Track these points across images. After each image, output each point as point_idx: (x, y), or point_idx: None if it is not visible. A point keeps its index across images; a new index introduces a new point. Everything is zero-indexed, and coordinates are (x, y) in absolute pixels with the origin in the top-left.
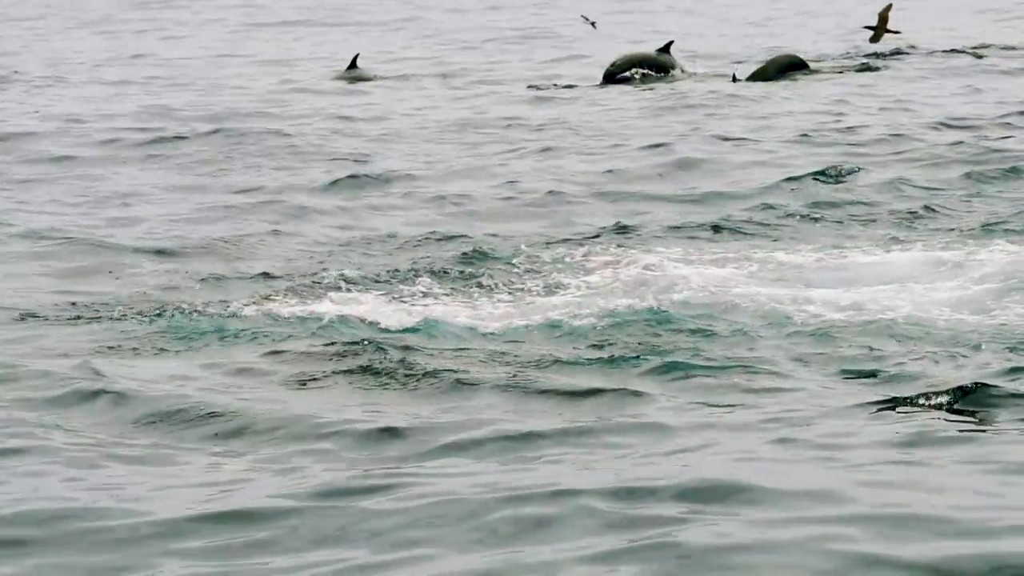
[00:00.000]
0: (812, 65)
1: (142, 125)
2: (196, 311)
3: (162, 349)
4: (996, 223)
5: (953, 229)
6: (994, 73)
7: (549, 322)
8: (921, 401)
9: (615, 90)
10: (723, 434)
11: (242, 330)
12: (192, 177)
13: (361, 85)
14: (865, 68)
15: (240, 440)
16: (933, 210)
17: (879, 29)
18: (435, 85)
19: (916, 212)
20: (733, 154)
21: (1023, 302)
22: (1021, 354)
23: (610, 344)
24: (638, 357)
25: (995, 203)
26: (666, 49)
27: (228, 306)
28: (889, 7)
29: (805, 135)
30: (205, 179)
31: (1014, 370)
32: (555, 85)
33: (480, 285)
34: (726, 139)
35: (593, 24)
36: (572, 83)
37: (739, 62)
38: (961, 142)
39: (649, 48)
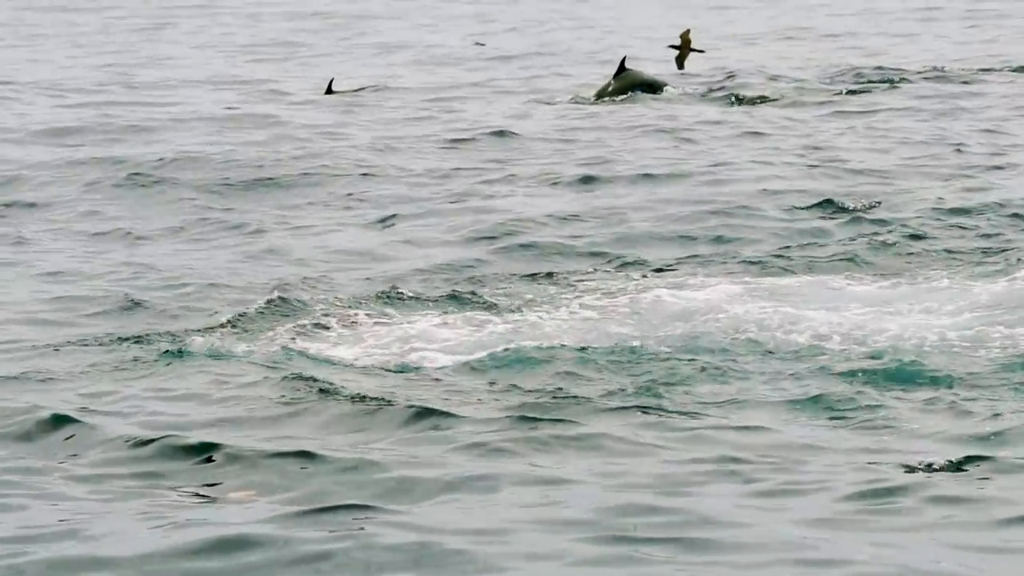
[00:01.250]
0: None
1: None
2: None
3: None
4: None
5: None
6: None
7: (523, 350)
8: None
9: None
10: (696, 477)
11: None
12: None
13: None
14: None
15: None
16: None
17: (683, 50)
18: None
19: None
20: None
21: (1015, 336)
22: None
23: (581, 377)
24: (612, 393)
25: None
26: (623, 67)
27: (184, 338)
28: (688, 30)
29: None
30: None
31: (996, 415)
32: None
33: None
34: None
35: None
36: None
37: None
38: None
39: (602, 70)
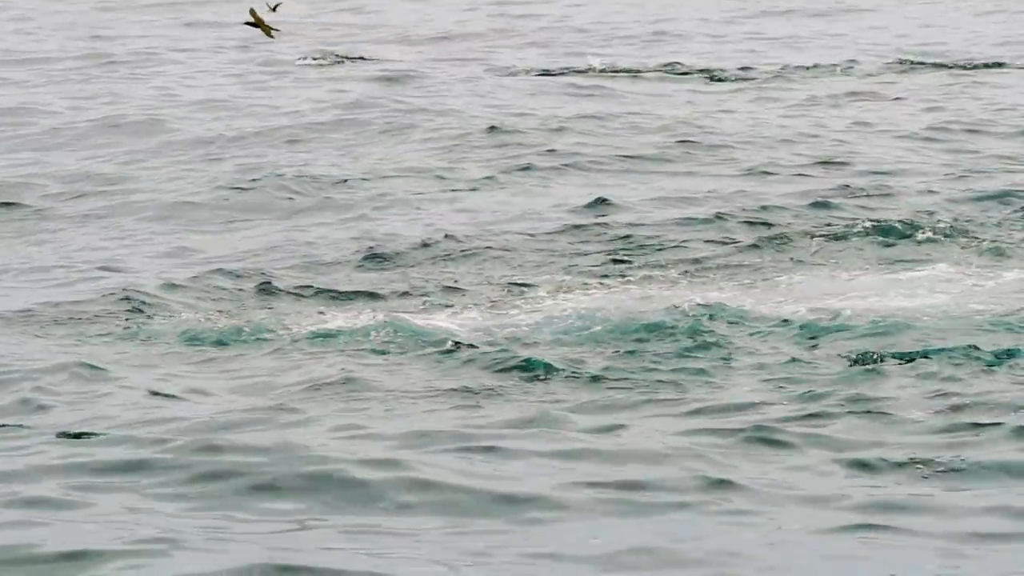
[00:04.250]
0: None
1: None
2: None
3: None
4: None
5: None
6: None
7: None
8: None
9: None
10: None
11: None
12: None
13: None
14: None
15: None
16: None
17: (263, 27)
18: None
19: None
20: None
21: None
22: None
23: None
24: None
25: None
26: None
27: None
28: (252, 9)
29: None
30: None
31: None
32: None
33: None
34: None
35: (274, 8)
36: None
37: None
38: None
39: None
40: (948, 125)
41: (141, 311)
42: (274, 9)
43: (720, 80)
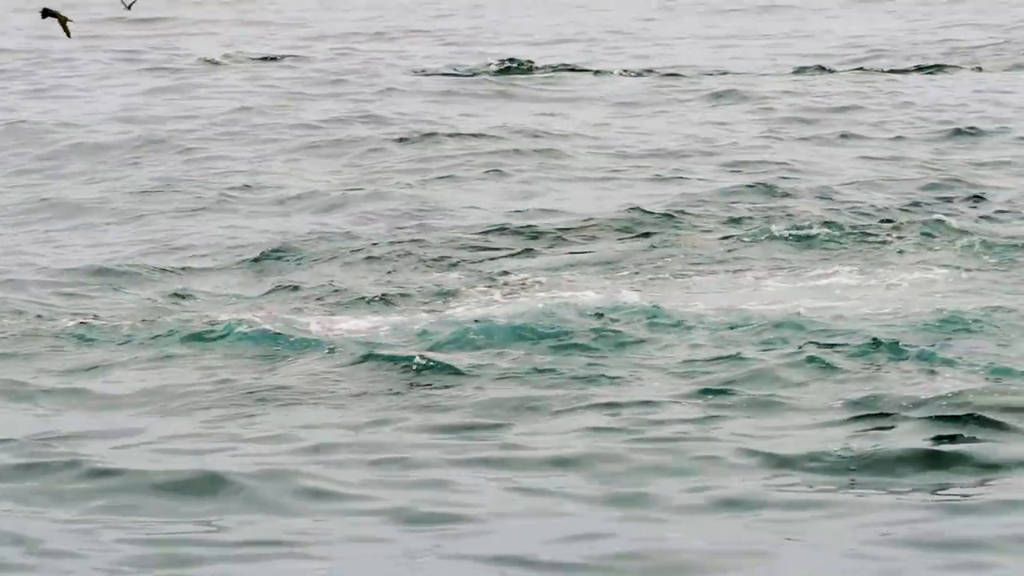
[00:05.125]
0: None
1: None
2: None
3: None
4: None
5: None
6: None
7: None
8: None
9: None
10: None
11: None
12: None
13: None
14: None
15: None
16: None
17: (60, 20)
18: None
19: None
20: None
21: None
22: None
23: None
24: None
25: None
26: None
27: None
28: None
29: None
30: None
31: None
32: None
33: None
34: None
35: (128, 7)
36: None
37: None
38: None
39: None
40: (861, 128)
41: (20, 313)
42: (128, 7)
43: (637, 75)
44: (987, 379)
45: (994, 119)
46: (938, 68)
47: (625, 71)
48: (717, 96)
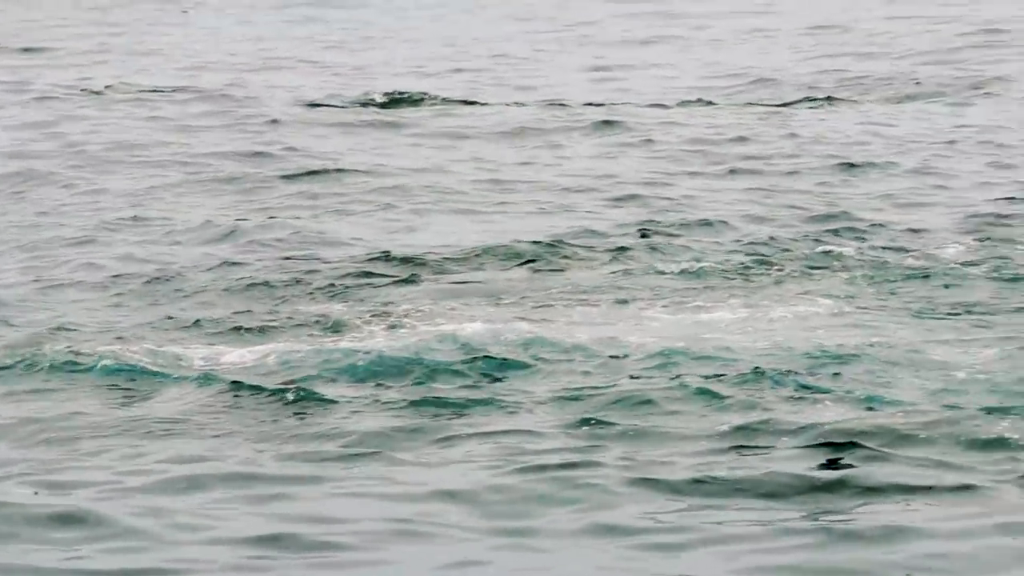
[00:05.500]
0: None
1: None
2: None
3: None
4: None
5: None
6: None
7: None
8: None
9: None
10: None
11: None
12: None
13: None
14: None
15: None
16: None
17: None
18: None
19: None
20: None
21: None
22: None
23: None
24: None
25: None
26: None
27: None
28: None
29: None
30: None
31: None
32: None
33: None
34: None
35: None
36: None
37: None
38: None
39: None
40: (748, 161)
41: None
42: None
43: (524, 106)
44: (866, 408)
45: (879, 152)
46: (826, 100)
47: (513, 103)
48: (604, 127)
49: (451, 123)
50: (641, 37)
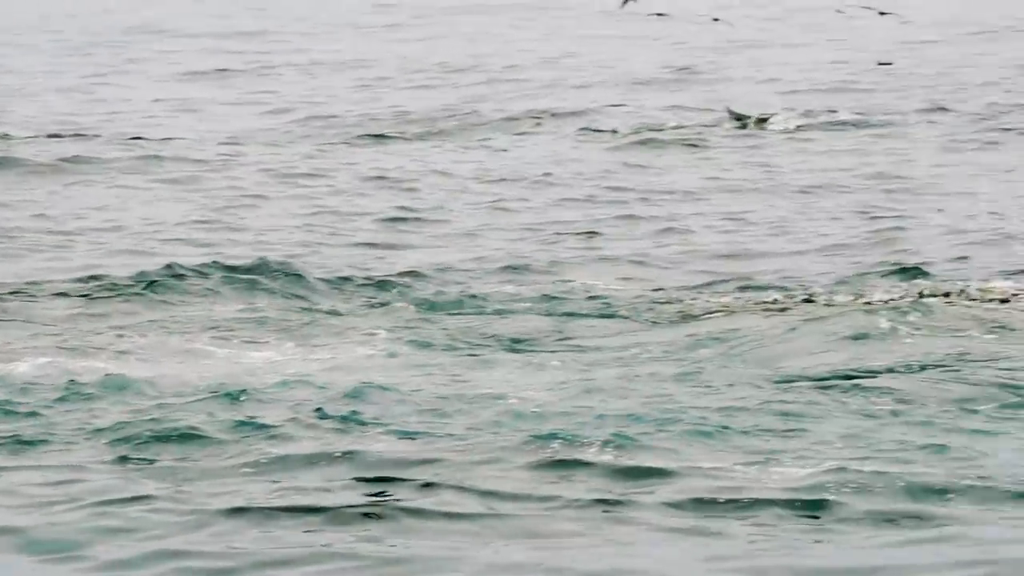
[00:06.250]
0: None
1: None
2: None
3: None
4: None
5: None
6: None
7: None
8: None
9: None
10: None
11: None
12: None
13: None
14: None
15: None
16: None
17: None
18: None
19: None
20: None
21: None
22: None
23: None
24: None
25: None
26: None
27: None
28: None
29: None
30: None
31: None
32: None
33: None
34: None
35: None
36: None
37: None
38: None
39: None
40: (319, 200)
41: None
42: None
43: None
44: (412, 439)
45: (435, 191)
46: (388, 138)
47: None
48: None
49: None
50: (209, 70)
